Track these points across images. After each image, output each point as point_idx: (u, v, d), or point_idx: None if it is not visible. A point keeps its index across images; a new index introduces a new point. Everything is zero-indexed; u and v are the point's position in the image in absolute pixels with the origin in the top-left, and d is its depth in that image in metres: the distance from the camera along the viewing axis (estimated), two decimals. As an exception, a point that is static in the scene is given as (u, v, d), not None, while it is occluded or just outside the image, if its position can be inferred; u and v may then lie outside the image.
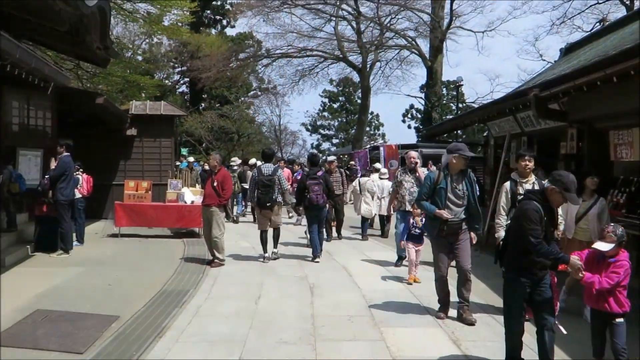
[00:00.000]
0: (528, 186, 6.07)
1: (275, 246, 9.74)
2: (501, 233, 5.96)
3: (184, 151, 39.24)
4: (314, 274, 8.31)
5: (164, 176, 15.19)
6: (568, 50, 17.05)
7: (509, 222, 5.68)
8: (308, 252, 10.17)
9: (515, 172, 6.49)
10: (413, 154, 9.08)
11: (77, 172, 10.59)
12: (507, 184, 6.33)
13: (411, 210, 8.26)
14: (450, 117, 36.93)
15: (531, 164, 6.27)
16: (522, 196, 5.29)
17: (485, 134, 45.80)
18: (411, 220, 8.04)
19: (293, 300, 6.81)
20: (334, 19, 28.74)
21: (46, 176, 9.50)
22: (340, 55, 29.15)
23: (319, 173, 9.77)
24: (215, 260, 9.01)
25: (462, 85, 26.62)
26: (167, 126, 15.90)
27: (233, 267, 8.94)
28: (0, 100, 9.57)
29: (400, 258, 9.09)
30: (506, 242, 4.73)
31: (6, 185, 9.50)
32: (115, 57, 12.40)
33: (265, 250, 9.52)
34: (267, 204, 9.26)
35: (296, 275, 8.31)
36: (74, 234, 10.49)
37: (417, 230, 7.88)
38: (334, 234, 12.12)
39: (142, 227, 12.04)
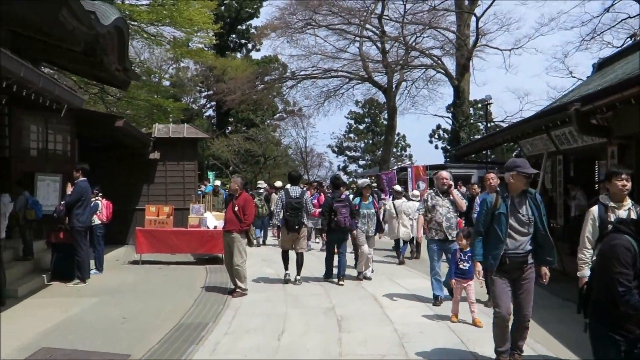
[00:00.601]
0: (622, 213, 4.78)
1: (298, 273, 9.57)
2: (585, 272, 4.75)
3: (210, 175, 39.23)
4: (342, 305, 7.76)
5: (187, 200, 14.83)
6: (601, 66, 16.58)
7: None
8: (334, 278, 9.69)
9: (604, 195, 5.11)
10: (444, 174, 8.01)
11: (97, 198, 10.27)
12: (595, 210, 4.98)
13: (454, 240, 7.44)
14: (479, 136, 36.27)
15: (629, 184, 4.84)
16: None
17: (515, 153, 45.08)
18: (458, 254, 7.02)
19: (319, 336, 6.27)
20: (358, 39, 28.42)
21: (62, 202, 9.16)
22: (366, 76, 28.77)
23: (343, 195, 9.89)
24: (237, 290, 8.54)
25: (491, 103, 25.92)
26: (191, 149, 15.61)
27: (256, 296, 8.44)
28: (16, 124, 9.33)
29: (437, 297, 7.74)
30: (591, 285, 3.82)
31: (22, 212, 9.20)
32: (136, 79, 12.16)
33: (286, 268, 9.67)
34: (296, 227, 9.34)
35: (323, 306, 7.77)
36: (93, 262, 10.16)
37: (465, 264, 6.81)
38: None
39: (164, 253, 11.66)
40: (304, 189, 10.38)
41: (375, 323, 6.82)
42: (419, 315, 7.21)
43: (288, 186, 9.73)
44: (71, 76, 18.12)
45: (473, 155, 22.85)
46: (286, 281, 9.51)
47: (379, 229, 10.10)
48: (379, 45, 28.19)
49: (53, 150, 10.77)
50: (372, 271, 10.11)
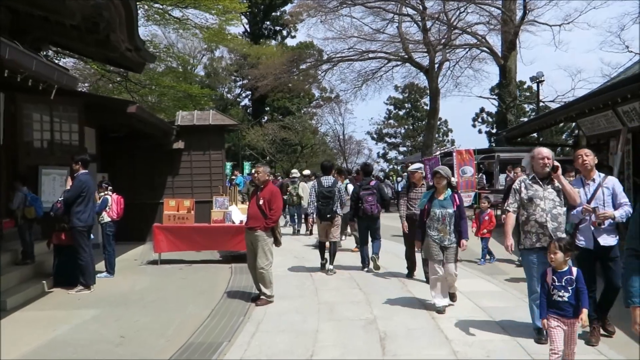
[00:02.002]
0: None
1: (331, 262, 9.48)
2: None
3: (246, 165, 38.27)
4: (385, 317, 6.40)
5: (215, 192, 13.70)
6: None
7: None
8: (373, 279, 8.36)
9: None
10: (545, 152, 5.42)
11: (106, 192, 9.15)
12: None
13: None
14: (526, 119, 34.23)
15: None
16: None
17: (574, 134, 42.79)
18: (549, 276, 4.54)
19: (357, 362, 4.97)
20: (397, 18, 26.73)
21: (60, 198, 8.03)
22: (405, 56, 27.11)
23: (372, 183, 9.58)
24: (262, 297, 7.28)
25: (543, 80, 24.03)
26: (217, 137, 14.40)
27: (283, 304, 7.16)
28: (12, 111, 8.25)
29: (540, 331, 5.31)
30: None
31: (20, 210, 8.14)
32: (150, 60, 11.01)
33: (322, 258, 9.60)
34: (327, 216, 9.31)
35: (362, 317, 6.42)
36: (104, 264, 9.08)
37: (563, 294, 4.43)
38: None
39: (185, 251, 10.54)
40: (336, 178, 10.04)
41: (427, 342, 5.45)
42: (483, 332, 5.80)
43: (321, 176, 9.79)
44: (92, 64, 17.20)
45: (519, 139, 21.12)
46: (322, 267, 9.50)
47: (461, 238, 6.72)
48: (420, 23, 26.46)
49: (60, 140, 9.69)
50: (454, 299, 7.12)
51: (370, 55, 27.91)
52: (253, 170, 8.39)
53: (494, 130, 50.52)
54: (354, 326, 6.08)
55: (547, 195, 5.37)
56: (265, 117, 45.84)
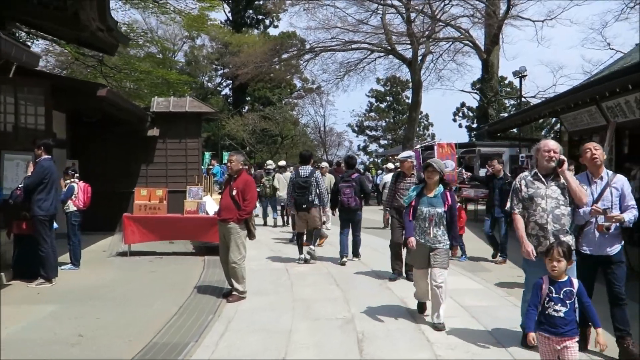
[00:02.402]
0: None
1: (313, 243, 9.71)
2: None
3: (225, 155, 37.70)
4: (363, 316, 6.07)
5: (190, 182, 13.26)
6: None
7: None
8: (351, 274, 8.04)
9: None
10: (551, 144, 4.86)
11: (72, 180, 8.68)
12: None
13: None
14: (506, 114, 34.13)
15: None
16: None
17: (555, 130, 42.85)
18: (545, 286, 3.97)
19: (332, 367, 4.63)
20: (381, 9, 26.29)
21: (19, 185, 7.53)
22: (389, 48, 26.72)
23: (354, 175, 9.42)
24: (234, 293, 6.90)
25: (526, 75, 23.80)
26: (194, 125, 13.91)
27: (256, 301, 6.79)
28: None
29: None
30: None
31: (-24, 197, 7.65)
32: (124, 42, 10.47)
33: (300, 252, 9.48)
34: (303, 206, 9.24)
35: (339, 316, 6.07)
36: (69, 256, 8.62)
37: (559, 308, 3.86)
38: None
39: (158, 241, 10.13)
40: (314, 168, 9.93)
41: (408, 345, 5.12)
42: (465, 332, 5.48)
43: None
44: (66, 46, 16.58)
45: (500, 134, 20.90)
46: (302, 259, 9.36)
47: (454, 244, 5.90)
48: (404, 14, 26.06)
49: (24, 124, 9.15)
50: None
51: (353, 45, 27.46)
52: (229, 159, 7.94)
53: (475, 125, 50.64)
54: (331, 326, 5.73)
55: (549, 193, 4.76)
56: (246, 107, 45.24)
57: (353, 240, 9.53)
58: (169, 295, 7.10)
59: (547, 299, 3.88)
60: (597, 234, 4.80)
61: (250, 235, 7.16)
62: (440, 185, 5.82)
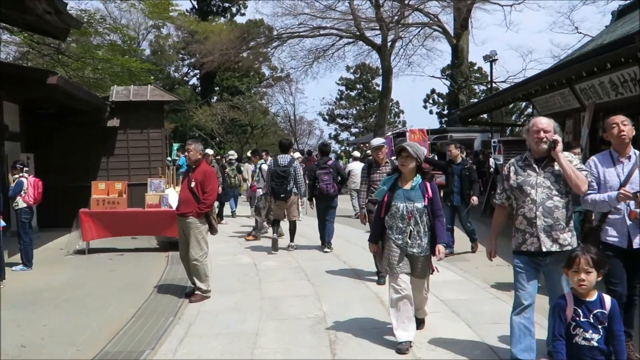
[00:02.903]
0: None
1: (292, 240, 9.56)
2: None
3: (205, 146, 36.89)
4: (336, 314, 5.63)
5: (154, 174, 12.67)
6: (621, 13, 14.99)
7: None
8: (323, 268, 7.61)
9: None
10: (543, 123, 3.98)
11: (21, 174, 8.06)
12: None
13: (564, 251, 3.78)
14: (476, 100, 34.02)
15: None
16: None
17: (526, 114, 42.85)
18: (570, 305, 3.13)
19: (301, 373, 4.19)
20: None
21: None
22: (358, 33, 26.23)
23: (330, 162, 9.51)
24: (197, 292, 6.41)
25: (497, 59, 23.63)
26: (156, 114, 13.27)
27: (221, 301, 6.31)
28: None
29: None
30: None
31: None
32: (75, 26, 9.81)
33: (274, 232, 9.44)
34: (281, 195, 9.14)
35: (309, 315, 5.63)
36: (20, 256, 8.03)
37: (592, 336, 3.02)
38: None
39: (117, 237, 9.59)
40: (293, 157, 9.74)
41: (385, 347, 4.70)
42: (446, 328, 5.10)
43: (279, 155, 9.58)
44: (18, 34, 15.74)
45: (471, 119, 20.65)
46: (273, 245, 9.23)
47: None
48: (372, -1, 25.59)
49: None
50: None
51: (322, 32, 26.89)
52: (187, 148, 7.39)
53: (445, 112, 50.67)
54: (300, 326, 5.28)
55: (541, 182, 3.93)
56: (215, 97, 44.42)
57: (326, 227, 9.38)
58: (126, 296, 6.58)
59: (574, 324, 3.04)
60: (628, 221, 4.05)
61: (212, 230, 6.69)
62: (418, 175, 4.74)
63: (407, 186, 4.71)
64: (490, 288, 6.60)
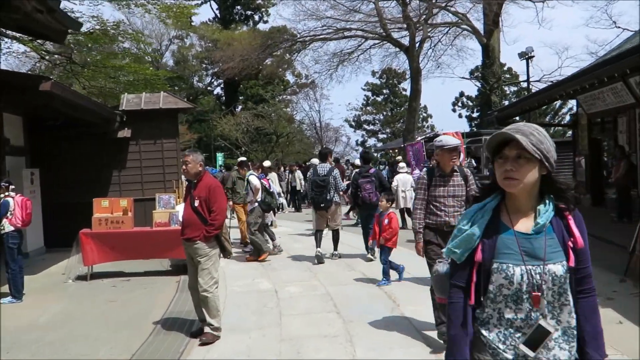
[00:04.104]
0: None
1: (335, 248, 9.40)
2: None
3: (219, 156, 36.12)
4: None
5: (169, 187, 11.72)
6: None
7: None
8: (354, 294, 6.45)
9: None
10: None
11: (7, 194, 7.09)
12: None
13: None
14: (507, 102, 32.57)
15: None
16: None
17: (560, 113, 41.14)
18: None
19: None
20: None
21: None
22: (384, 34, 25.05)
23: (371, 170, 9.40)
24: (207, 330, 5.34)
25: (533, 56, 22.27)
26: (170, 124, 12.29)
27: (232, 341, 5.20)
28: None
29: None
30: None
31: None
32: (74, 27, 8.88)
33: (318, 245, 9.09)
34: (321, 205, 9.02)
35: (340, 364, 4.51)
36: (9, 287, 7.04)
37: None
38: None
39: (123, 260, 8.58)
40: (333, 166, 9.59)
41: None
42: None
43: (316, 162, 9.84)
44: (28, 43, 14.98)
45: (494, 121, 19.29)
46: (318, 259, 8.92)
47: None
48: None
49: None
50: None
51: (346, 34, 25.80)
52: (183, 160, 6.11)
53: (475, 114, 49.05)
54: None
55: None
56: (240, 107, 43.70)
57: (365, 232, 9.39)
58: (122, 336, 5.53)
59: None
60: None
61: (225, 253, 5.62)
62: (548, 201, 1.98)
63: (525, 225, 1.99)
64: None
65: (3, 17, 8.25)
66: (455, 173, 4.98)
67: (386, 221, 7.49)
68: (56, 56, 16.25)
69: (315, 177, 9.08)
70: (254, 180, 9.71)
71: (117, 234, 8.31)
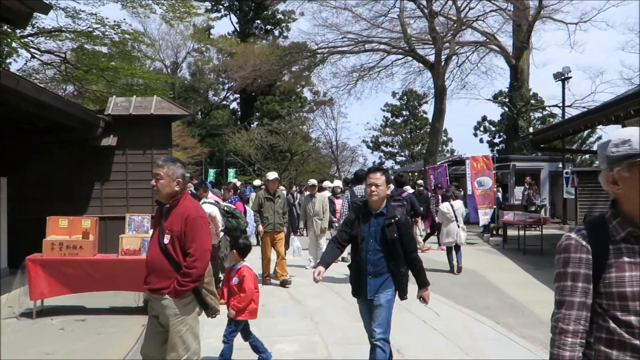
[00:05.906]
0: None
1: None
2: None
3: (231, 172, 34.66)
4: None
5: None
6: None
7: None
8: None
9: None
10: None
11: None
12: None
13: None
14: (532, 129, 30.84)
15: None
16: None
17: (588, 142, 39.30)
18: None
19: None
20: (398, 4, 23.07)
21: None
22: (407, 48, 23.46)
23: (404, 194, 9.38)
24: None
25: (570, 77, 20.55)
26: (162, 132, 10.75)
27: None
28: None
29: None
30: None
31: None
32: (40, 8, 7.42)
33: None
34: None
35: None
36: None
37: None
38: None
39: (80, 292, 6.96)
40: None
41: None
42: None
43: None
44: (15, 38, 13.64)
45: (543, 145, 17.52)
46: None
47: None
48: (425, 9, 22.81)
49: None
50: None
51: (367, 46, 24.25)
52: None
53: (497, 140, 47.16)
54: None
55: None
56: (255, 123, 42.39)
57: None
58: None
59: None
60: None
61: (208, 312, 3.91)
62: None
63: None
64: None
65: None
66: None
67: (235, 280, 4.95)
68: (49, 56, 14.84)
69: (354, 199, 8.72)
70: (207, 208, 7.32)
71: (73, 262, 6.69)
